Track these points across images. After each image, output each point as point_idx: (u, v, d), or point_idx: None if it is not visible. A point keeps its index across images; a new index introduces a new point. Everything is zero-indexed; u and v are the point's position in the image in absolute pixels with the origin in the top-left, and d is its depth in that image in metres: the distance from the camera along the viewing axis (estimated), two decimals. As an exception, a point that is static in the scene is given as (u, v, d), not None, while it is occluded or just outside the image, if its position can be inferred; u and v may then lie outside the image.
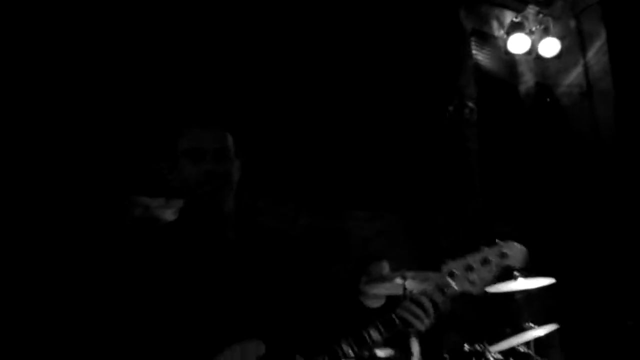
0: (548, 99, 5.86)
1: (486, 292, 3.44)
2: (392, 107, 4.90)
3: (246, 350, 1.48)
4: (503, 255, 1.49)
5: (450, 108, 4.95)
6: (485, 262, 1.47)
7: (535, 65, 5.77)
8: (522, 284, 3.43)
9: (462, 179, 5.28)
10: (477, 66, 5.40)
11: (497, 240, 1.49)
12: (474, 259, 1.48)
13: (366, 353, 1.50)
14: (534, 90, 5.84)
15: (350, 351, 1.46)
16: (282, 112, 4.36)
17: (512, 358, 3.20)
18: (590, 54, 5.59)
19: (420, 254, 1.73)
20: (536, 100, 5.85)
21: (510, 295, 3.48)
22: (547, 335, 3.42)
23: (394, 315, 1.48)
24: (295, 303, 1.75)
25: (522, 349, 3.32)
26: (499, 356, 3.15)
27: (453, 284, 1.44)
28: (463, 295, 1.48)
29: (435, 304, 1.44)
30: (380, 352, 3.37)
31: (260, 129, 4.11)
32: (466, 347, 3.16)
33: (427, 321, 1.45)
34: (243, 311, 1.57)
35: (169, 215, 3.99)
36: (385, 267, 3.71)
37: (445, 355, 3.16)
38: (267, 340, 1.51)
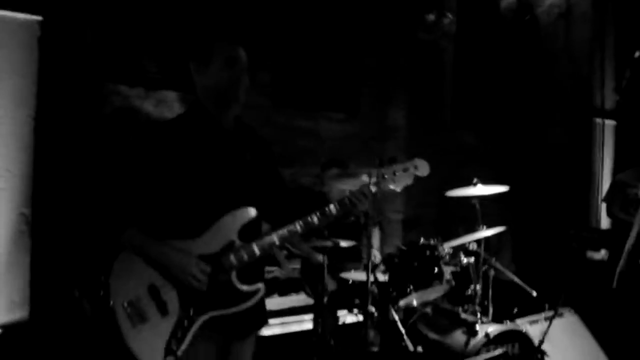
0: (528, 17, 5.91)
1: (445, 195, 3.69)
2: (371, 12, 4.94)
3: (244, 213, 1.94)
4: (415, 167, 2.03)
5: (430, 17, 4.97)
6: (404, 170, 2.03)
7: (519, -19, 5.76)
8: (480, 189, 3.61)
9: (434, 89, 5.42)
10: (461, -24, 5.39)
11: (413, 157, 2.05)
12: (397, 167, 2.03)
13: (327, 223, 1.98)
14: (515, 6, 5.87)
15: (315, 219, 1.94)
16: (266, 17, 4.41)
17: (462, 252, 3.49)
18: (574, -25, 5.60)
19: (383, 157, 2.12)
20: (516, 16, 5.89)
21: (467, 199, 3.68)
22: (499, 237, 3.67)
23: (345, 197, 2.00)
24: (270, 190, 2.13)
25: (471, 247, 3.58)
26: (450, 250, 3.44)
27: (384, 181, 2.03)
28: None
29: (371, 193, 2.02)
30: (344, 243, 3.65)
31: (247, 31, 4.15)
32: (422, 240, 3.44)
33: (365, 203, 2.00)
34: (237, 188, 1.99)
35: (148, 106, 4.06)
36: (352, 167, 3.92)
37: (402, 247, 3.45)
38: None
